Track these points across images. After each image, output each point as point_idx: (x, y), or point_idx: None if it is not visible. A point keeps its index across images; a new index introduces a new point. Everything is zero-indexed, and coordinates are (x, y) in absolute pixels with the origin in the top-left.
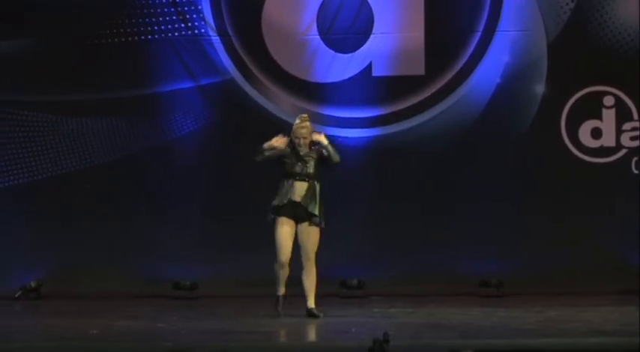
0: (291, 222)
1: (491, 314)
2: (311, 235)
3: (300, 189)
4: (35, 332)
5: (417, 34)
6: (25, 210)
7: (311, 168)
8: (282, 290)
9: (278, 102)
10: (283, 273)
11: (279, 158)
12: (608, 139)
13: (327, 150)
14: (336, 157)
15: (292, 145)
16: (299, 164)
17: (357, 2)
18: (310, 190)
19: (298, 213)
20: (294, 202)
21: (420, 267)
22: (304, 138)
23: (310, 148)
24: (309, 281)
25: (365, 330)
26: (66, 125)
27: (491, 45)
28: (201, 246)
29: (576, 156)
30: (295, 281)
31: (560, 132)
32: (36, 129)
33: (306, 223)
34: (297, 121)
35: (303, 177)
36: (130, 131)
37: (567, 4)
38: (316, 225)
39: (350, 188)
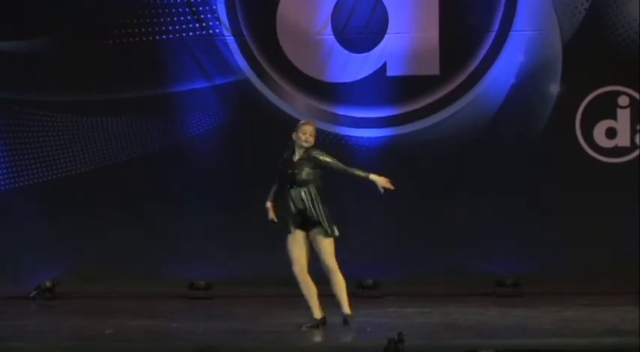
0: (300, 231)
1: (507, 314)
2: (321, 243)
3: (295, 197)
4: (50, 331)
5: (431, 34)
6: (40, 210)
7: (303, 174)
8: (317, 313)
9: (292, 102)
10: (306, 289)
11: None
12: (622, 139)
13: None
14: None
15: (289, 152)
16: (289, 171)
17: (371, 2)
18: (307, 197)
19: (305, 222)
20: (299, 210)
21: (435, 267)
22: (311, 135)
23: (306, 154)
24: (336, 288)
25: (380, 330)
26: (82, 125)
27: (506, 45)
28: (216, 245)
29: (591, 156)
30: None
31: (574, 132)
32: (52, 129)
33: (315, 231)
34: (302, 121)
35: (293, 184)
36: (146, 131)
37: (582, 4)
38: (324, 234)
39: (364, 188)
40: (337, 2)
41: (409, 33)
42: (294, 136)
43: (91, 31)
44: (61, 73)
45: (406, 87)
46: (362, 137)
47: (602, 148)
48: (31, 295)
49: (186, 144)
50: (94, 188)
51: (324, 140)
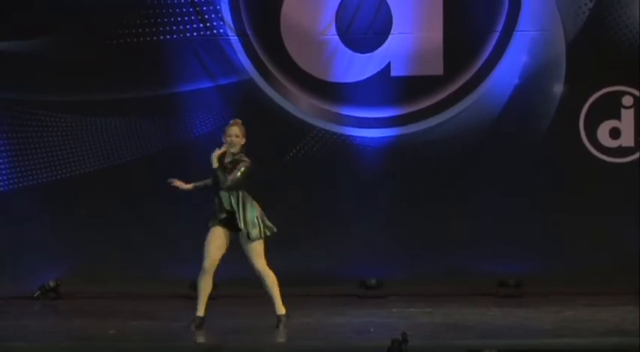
0: (222, 229)
1: (509, 314)
2: (250, 247)
3: (224, 200)
4: (53, 331)
5: (435, 35)
6: (43, 210)
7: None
8: (201, 311)
9: (296, 102)
10: (204, 285)
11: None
12: (626, 139)
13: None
14: (226, 181)
15: (223, 156)
16: (219, 173)
17: (375, 2)
18: (234, 200)
19: (234, 224)
20: (226, 211)
21: (438, 267)
22: (236, 136)
23: (234, 158)
24: (270, 289)
25: (383, 330)
26: (86, 125)
27: (509, 45)
28: None
29: (595, 156)
30: (307, 282)
31: (578, 132)
32: (54, 129)
33: (241, 233)
34: (230, 122)
35: (220, 187)
36: (150, 131)
37: (586, 4)
38: (251, 238)
39: (368, 188)
40: (341, 2)
41: (413, 33)
42: (223, 139)
43: (92, 31)
44: (65, 73)
45: (410, 87)
46: (366, 137)
47: (606, 148)
48: (35, 295)
49: (190, 145)
50: (96, 188)
51: (328, 140)
